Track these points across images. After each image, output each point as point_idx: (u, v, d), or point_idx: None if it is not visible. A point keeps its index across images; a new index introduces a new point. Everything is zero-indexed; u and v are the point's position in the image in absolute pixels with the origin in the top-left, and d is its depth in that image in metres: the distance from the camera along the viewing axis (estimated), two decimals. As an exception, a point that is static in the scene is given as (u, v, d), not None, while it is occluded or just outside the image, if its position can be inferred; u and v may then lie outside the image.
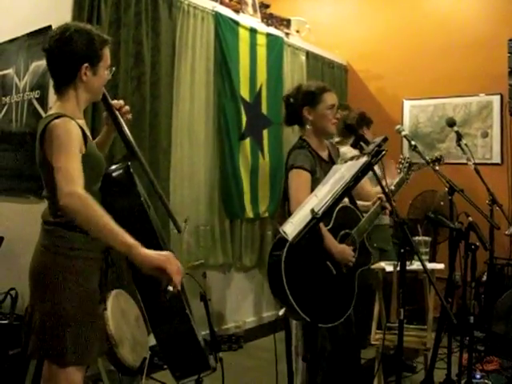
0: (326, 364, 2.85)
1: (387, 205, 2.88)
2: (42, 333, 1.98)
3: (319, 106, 2.91)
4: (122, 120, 2.24)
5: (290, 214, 2.67)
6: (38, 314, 2.00)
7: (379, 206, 2.95)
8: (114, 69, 2.18)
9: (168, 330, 2.16)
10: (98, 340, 2.10)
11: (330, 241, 2.75)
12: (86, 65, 2.03)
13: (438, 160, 3.40)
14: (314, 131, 2.96)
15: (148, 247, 1.85)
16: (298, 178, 2.83)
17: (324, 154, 3.01)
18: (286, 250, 2.59)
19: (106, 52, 2.11)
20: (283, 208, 2.99)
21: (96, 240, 1.97)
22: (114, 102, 2.26)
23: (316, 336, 2.43)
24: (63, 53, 2.02)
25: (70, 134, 1.93)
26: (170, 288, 1.80)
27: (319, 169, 2.88)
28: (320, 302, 2.57)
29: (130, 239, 1.79)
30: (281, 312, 2.66)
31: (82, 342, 2.00)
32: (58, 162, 1.86)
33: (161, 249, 2.08)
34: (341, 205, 2.83)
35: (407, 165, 3.27)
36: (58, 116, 1.96)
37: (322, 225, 2.66)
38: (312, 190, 2.69)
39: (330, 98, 2.93)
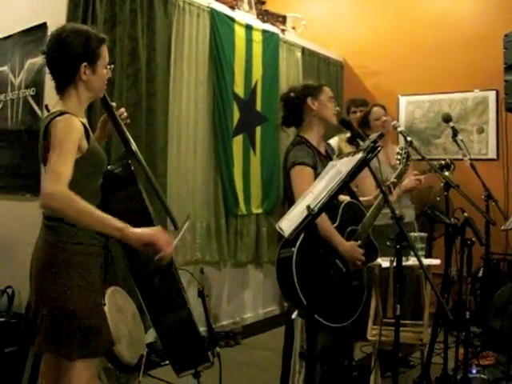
0: (327, 362, 2.81)
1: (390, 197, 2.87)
2: (51, 328, 1.99)
3: (321, 95, 2.93)
4: (119, 119, 2.32)
5: None
6: (46, 309, 2.01)
7: (382, 199, 2.87)
8: (112, 66, 2.23)
9: (168, 319, 2.19)
10: (105, 332, 2.11)
11: (338, 239, 2.69)
12: (84, 64, 2.07)
13: (448, 166, 3.38)
14: (315, 123, 2.93)
15: None
16: (302, 174, 2.78)
17: (322, 149, 2.98)
18: (296, 248, 2.53)
19: (104, 50, 2.15)
20: (284, 207, 2.96)
21: (97, 234, 2.07)
22: (120, 110, 2.34)
23: (316, 334, 2.42)
24: (61, 54, 2.05)
25: (70, 129, 1.96)
26: (162, 253, 1.95)
27: (320, 164, 2.84)
28: (331, 301, 2.58)
29: (118, 223, 1.90)
30: (294, 315, 2.58)
31: (91, 336, 2.02)
32: (49, 163, 1.91)
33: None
34: (346, 201, 2.83)
35: (405, 155, 3.27)
36: (62, 113, 2.01)
37: (329, 223, 2.67)
38: None
39: (329, 91, 3.00)
